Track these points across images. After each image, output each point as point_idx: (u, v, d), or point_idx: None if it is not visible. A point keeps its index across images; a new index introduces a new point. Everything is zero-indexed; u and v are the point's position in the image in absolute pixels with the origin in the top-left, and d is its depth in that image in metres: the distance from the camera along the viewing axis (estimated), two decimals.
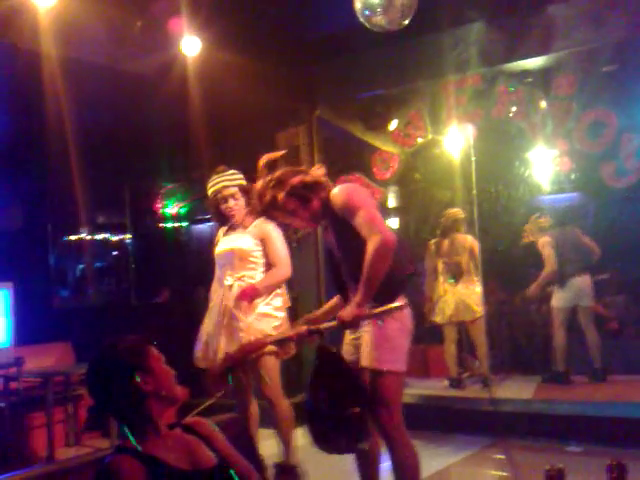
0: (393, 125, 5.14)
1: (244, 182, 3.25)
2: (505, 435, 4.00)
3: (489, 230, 5.56)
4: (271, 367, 3.14)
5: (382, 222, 2.27)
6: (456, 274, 5.23)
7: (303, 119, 5.12)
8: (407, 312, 2.40)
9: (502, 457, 3.78)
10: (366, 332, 2.37)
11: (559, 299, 5.15)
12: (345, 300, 2.45)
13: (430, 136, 4.94)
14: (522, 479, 3.39)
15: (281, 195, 2.36)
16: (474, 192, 4.68)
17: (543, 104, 4.02)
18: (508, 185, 6.10)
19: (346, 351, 2.50)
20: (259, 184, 2.42)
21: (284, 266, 3.21)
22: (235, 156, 3.71)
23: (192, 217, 7.24)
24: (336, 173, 5.06)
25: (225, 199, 3.23)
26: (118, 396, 1.52)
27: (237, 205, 3.24)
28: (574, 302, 5.11)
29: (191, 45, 3.92)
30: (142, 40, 3.82)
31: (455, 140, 4.96)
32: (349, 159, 5.41)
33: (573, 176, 5.19)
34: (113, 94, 4.46)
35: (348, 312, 2.25)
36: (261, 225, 3.23)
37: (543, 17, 3.87)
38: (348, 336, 2.52)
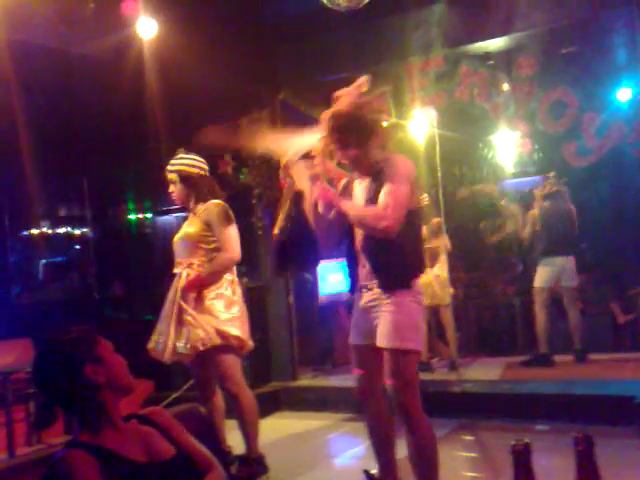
0: None
1: (187, 169, 3.13)
2: (474, 416, 4.03)
3: (454, 213, 5.58)
4: (231, 363, 3.06)
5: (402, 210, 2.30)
6: (432, 258, 5.25)
7: (266, 103, 5.02)
8: (421, 293, 2.44)
9: (471, 438, 3.81)
10: (386, 312, 2.34)
11: (540, 279, 5.12)
12: (354, 277, 2.48)
13: (394, 119, 4.91)
14: (491, 459, 3.42)
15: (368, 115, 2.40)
16: (439, 175, 4.67)
17: (505, 86, 4.02)
18: (472, 167, 6.13)
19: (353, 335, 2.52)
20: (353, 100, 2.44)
21: (230, 249, 3.04)
22: (199, 141, 3.61)
23: (156, 208, 7.09)
24: (300, 158, 5.00)
25: (168, 182, 3.18)
26: (68, 389, 1.45)
27: (175, 191, 3.16)
28: (555, 282, 5.09)
29: (147, 27, 3.78)
30: (95, 22, 3.66)
31: (419, 123, 4.93)
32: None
33: (536, 157, 5.21)
34: (66, 79, 4.28)
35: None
36: (209, 208, 3.10)
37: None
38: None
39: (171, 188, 3.18)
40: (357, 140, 2.37)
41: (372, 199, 2.34)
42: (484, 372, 5.04)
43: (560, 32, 4.09)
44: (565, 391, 4.20)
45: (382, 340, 2.33)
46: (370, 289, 2.38)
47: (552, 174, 4.95)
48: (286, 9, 4.58)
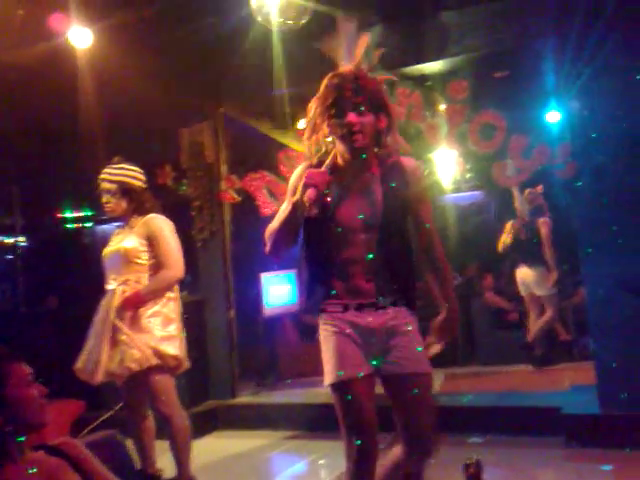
0: (302, 124, 5.11)
1: (129, 180, 3.04)
2: None
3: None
4: (165, 383, 2.97)
5: None
6: None
7: (207, 115, 4.97)
8: None
9: None
10: (412, 332, 2.00)
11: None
12: (335, 280, 1.98)
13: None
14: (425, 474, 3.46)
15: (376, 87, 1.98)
16: None
17: (440, 107, 4.15)
18: None
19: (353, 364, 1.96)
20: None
21: (174, 267, 2.96)
22: (136, 151, 3.55)
23: (96, 217, 6.91)
24: (242, 171, 5.00)
25: (102, 193, 3.05)
26: None
27: (112, 203, 3.04)
28: (529, 290, 5.46)
29: (81, 36, 3.73)
30: (25, 29, 3.54)
31: None
32: (256, 156, 5.34)
33: (468, 175, 5.42)
34: None
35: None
36: (149, 222, 3.01)
37: (438, 23, 4.00)
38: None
39: (107, 198, 3.04)
40: (375, 106, 1.96)
41: (390, 202, 1.97)
42: None
43: (492, 57, 4.27)
44: (498, 403, 4.32)
45: (418, 365, 1.96)
46: (382, 307, 1.97)
47: (540, 187, 5.21)
48: (228, 23, 4.56)
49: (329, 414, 4.67)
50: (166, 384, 2.97)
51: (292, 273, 6.21)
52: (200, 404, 4.66)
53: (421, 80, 4.31)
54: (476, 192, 6.59)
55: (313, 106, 2.01)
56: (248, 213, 4.99)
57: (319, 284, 2.02)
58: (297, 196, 1.95)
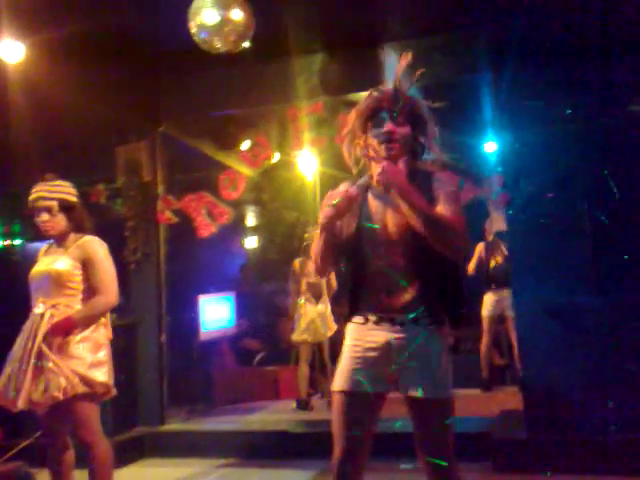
0: (245, 145, 5.10)
1: (69, 197, 2.93)
2: None
3: None
4: (90, 411, 2.82)
5: None
6: (317, 294, 5.29)
7: (145, 134, 4.87)
8: None
9: None
10: (428, 356, 1.93)
11: (487, 308, 5.60)
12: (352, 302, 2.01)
13: (278, 158, 4.98)
14: None
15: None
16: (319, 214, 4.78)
17: None
18: None
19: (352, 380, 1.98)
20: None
21: (109, 293, 2.86)
22: (70, 168, 3.42)
23: (27, 234, 6.64)
24: (181, 191, 4.91)
25: (39, 211, 2.88)
26: None
27: (51, 221, 2.88)
28: (500, 311, 5.51)
29: (12, 50, 3.62)
30: None
31: (302, 163, 5.04)
32: (196, 177, 5.26)
33: None
34: None
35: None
36: (85, 245, 2.89)
37: (376, 55, 4.10)
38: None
39: (45, 217, 2.87)
40: (414, 120, 2.02)
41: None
42: None
43: (431, 88, 4.39)
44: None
45: (433, 391, 1.92)
46: (401, 324, 1.93)
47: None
48: (175, 43, 4.52)
49: (261, 441, 4.57)
50: (91, 412, 2.83)
51: (230, 296, 6.11)
52: (126, 431, 4.45)
53: None
54: None
55: (352, 117, 2.06)
56: (185, 234, 4.89)
57: (346, 297, 2.04)
58: (320, 217, 1.99)
